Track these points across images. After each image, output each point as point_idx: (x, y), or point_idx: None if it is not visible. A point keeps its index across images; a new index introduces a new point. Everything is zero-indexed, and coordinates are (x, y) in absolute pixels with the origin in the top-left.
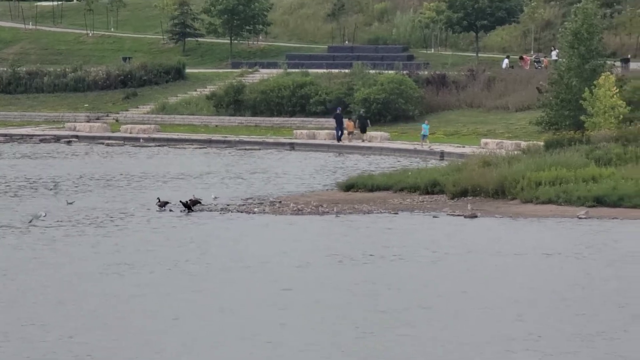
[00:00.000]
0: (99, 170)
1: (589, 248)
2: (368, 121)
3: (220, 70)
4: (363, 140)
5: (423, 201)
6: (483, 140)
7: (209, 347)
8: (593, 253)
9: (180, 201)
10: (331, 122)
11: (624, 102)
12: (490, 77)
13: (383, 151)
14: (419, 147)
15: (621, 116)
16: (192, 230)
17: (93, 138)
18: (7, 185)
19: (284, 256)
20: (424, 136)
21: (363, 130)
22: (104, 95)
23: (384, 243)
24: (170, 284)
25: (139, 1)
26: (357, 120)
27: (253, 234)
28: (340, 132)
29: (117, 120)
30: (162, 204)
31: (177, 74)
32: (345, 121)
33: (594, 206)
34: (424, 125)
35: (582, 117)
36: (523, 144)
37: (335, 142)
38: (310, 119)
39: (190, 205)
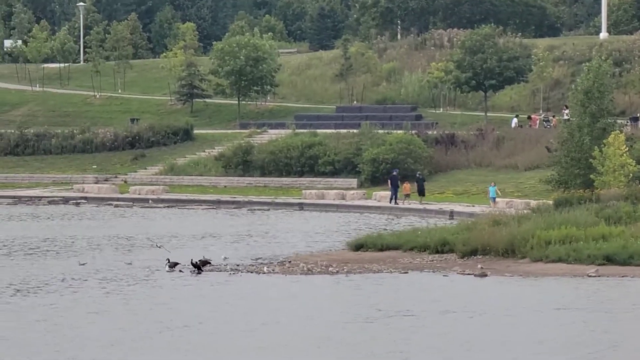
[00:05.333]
0: (109, 232)
1: (601, 305)
2: (424, 184)
3: (229, 131)
4: (421, 203)
5: (433, 260)
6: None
7: None
8: (607, 310)
9: (191, 262)
10: (340, 182)
11: (634, 161)
12: (499, 136)
13: (393, 210)
14: (490, 210)
15: (631, 174)
16: (206, 292)
17: (102, 199)
18: (26, 246)
19: (299, 316)
20: (493, 198)
21: (421, 192)
22: (112, 156)
23: (396, 303)
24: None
25: (146, 63)
26: (416, 183)
27: (264, 294)
28: (395, 194)
29: (125, 182)
30: (172, 265)
31: (185, 135)
32: (404, 184)
33: (603, 264)
34: (490, 188)
35: (592, 176)
36: (532, 202)
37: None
38: (319, 179)
39: (200, 266)
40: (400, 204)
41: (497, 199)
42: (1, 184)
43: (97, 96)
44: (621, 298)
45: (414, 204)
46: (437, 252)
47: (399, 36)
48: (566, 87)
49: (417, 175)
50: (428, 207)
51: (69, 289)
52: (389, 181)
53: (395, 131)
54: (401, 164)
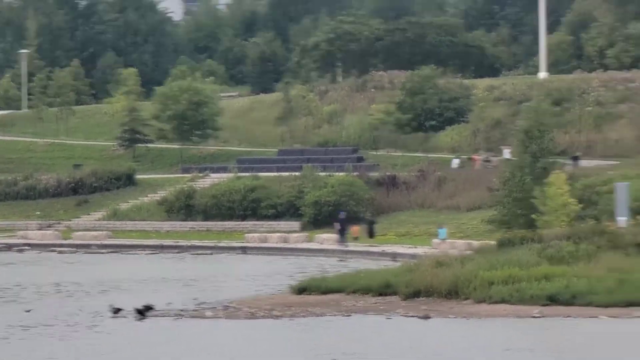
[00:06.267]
0: (54, 278)
1: (548, 345)
2: (374, 226)
3: (171, 176)
4: (370, 246)
5: (376, 303)
6: (435, 241)
7: None
8: (554, 350)
9: (135, 307)
10: (282, 225)
11: (575, 200)
12: (440, 177)
13: (335, 253)
14: (434, 251)
15: (572, 214)
16: (148, 337)
17: (45, 246)
18: None
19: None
20: (442, 240)
21: (371, 235)
22: (55, 202)
23: (340, 347)
24: None
25: (89, 108)
26: (367, 226)
27: (208, 339)
28: (343, 237)
29: (69, 228)
30: (116, 311)
31: (127, 180)
32: (353, 227)
33: (547, 305)
34: (440, 230)
35: (534, 216)
36: (475, 243)
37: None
38: (262, 222)
39: (143, 311)
40: (349, 247)
41: (438, 240)
42: None
43: (41, 143)
44: (567, 338)
45: (362, 246)
46: (380, 294)
47: (339, 78)
48: (507, 127)
49: (368, 217)
50: (371, 249)
51: (14, 335)
52: (337, 224)
53: (336, 173)
54: (343, 206)
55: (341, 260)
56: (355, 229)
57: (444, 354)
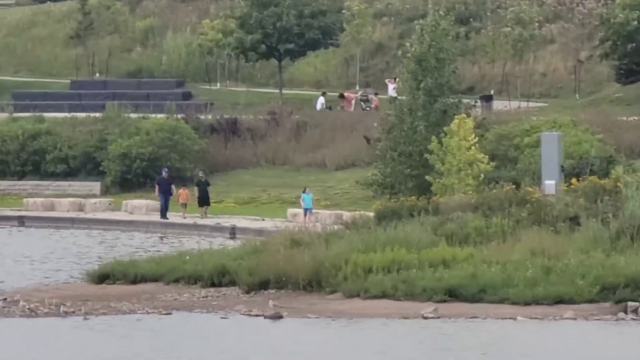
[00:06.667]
0: None
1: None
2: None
3: None
4: (203, 216)
5: (207, 296)
6: (290, 211)
7: None
8: None
9: None
10: (77, 187)
11: (486, 156)
12: (299, 122)
13: (150, 226)
14: (306, 225)
15: (482, 175)
16: None
17: None
18: None
19: None
20: (307, 210)
21: (204, 201)
22: None
23: (156, 355)
24: None
25: None
26: (197, 188)
27: None
28: (165, 204)
29: None
30: None
31: None
32: (179, 190)
33: (445, 301)
34: (304, 196)
35: (429, 177)
36: (346, 214)
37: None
38: (48, 182)
39: None
40: (171, 218)
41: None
42: None
43: None
44: (468, 346)
45: (189, 217)
46: (214, 284)
47: None
48: (392, 53)
49: (200, 177)
50: (201, 221)
51: None
52: (157, 186)
53: (154, 115)
54: (163, 160)
55: (161, 237)
56: (183, 193)
57: None
